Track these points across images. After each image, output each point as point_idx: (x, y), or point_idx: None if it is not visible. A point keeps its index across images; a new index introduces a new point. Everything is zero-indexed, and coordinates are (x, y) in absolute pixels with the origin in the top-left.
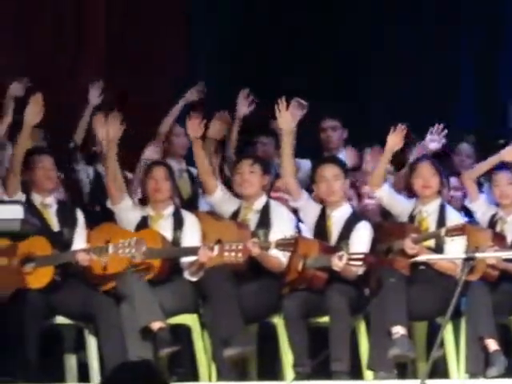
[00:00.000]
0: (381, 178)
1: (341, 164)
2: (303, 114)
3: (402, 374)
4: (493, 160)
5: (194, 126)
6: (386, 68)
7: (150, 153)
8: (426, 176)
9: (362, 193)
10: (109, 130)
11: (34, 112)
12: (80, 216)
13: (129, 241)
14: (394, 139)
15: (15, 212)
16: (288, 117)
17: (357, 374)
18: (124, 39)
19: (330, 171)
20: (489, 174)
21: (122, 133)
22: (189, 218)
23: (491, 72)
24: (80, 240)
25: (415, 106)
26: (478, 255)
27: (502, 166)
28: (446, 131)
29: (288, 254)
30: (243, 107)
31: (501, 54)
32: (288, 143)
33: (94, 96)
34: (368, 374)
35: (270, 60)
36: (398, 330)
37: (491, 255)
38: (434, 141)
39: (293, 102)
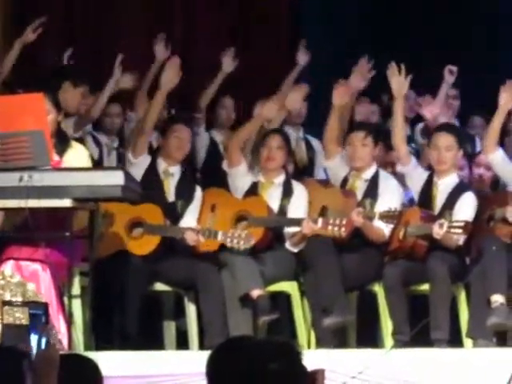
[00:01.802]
0: (494, 141)
1: (457, 133)
2: (452, 80)
3: (502, 342)
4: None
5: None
6: None
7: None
8: None
9: (476, 161)
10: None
11: (170, 77)
12: (198, 192)
13: (239, 233)
14: (507, 96)
15: (116, 178)
16: (400, 81)
17: (456, 342)
18: None
19: (443, 141)
20: None
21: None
22: (298, 189)
23: None
24: (191, 217)
25: None
26: None
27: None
28: None
29: (391, 226)
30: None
31: None
32: (400, 107)
33: (228, 63)
34: (467, 342)
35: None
36: (498, 299)
37: None
38: None
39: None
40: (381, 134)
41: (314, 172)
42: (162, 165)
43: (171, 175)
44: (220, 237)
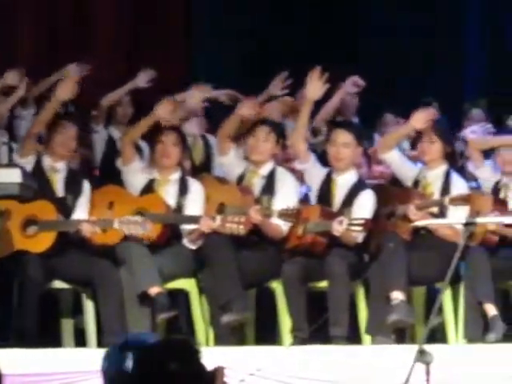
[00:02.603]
0: (391, 142)
1: (355, 131)
2: (356, 91)
3: (401, 339)
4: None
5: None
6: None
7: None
8: (424, 145)
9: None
10: None
11: (66, 89)
12: (86, 186)
13: (135, 219)
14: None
15: (14, 176)
16: (318, 87)
17: (355, 338)
18: None
19: (341, 137)
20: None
21: None
22: (194, 186)
23: None
24: (81, 210)
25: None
26: (478, 221)
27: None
28: None
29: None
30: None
31: None
32: (308, 110)
33: (142, 79)
34: (366, 338)
35: None
36: (397, 296)
37: (491, 221)
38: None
39: (349, 79)
40: (283, 132)
41: (212, 169)
42: (47, 161)
43: (58, 171)
44: (116, 225)
